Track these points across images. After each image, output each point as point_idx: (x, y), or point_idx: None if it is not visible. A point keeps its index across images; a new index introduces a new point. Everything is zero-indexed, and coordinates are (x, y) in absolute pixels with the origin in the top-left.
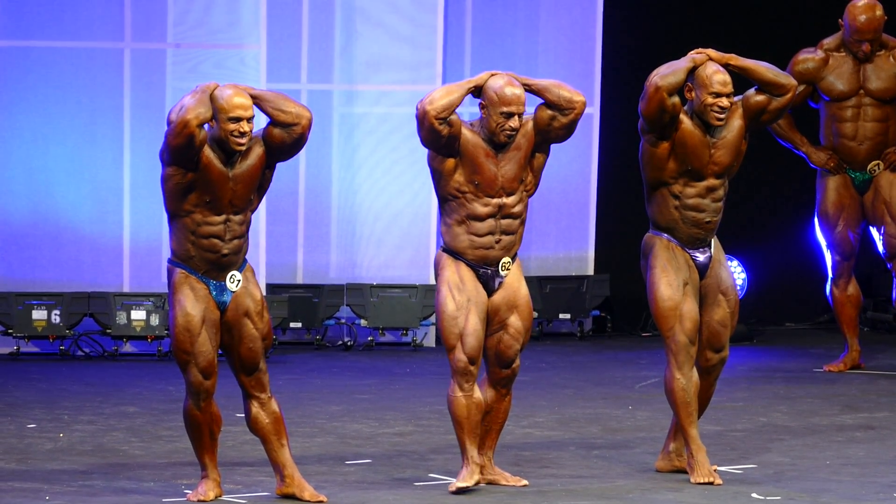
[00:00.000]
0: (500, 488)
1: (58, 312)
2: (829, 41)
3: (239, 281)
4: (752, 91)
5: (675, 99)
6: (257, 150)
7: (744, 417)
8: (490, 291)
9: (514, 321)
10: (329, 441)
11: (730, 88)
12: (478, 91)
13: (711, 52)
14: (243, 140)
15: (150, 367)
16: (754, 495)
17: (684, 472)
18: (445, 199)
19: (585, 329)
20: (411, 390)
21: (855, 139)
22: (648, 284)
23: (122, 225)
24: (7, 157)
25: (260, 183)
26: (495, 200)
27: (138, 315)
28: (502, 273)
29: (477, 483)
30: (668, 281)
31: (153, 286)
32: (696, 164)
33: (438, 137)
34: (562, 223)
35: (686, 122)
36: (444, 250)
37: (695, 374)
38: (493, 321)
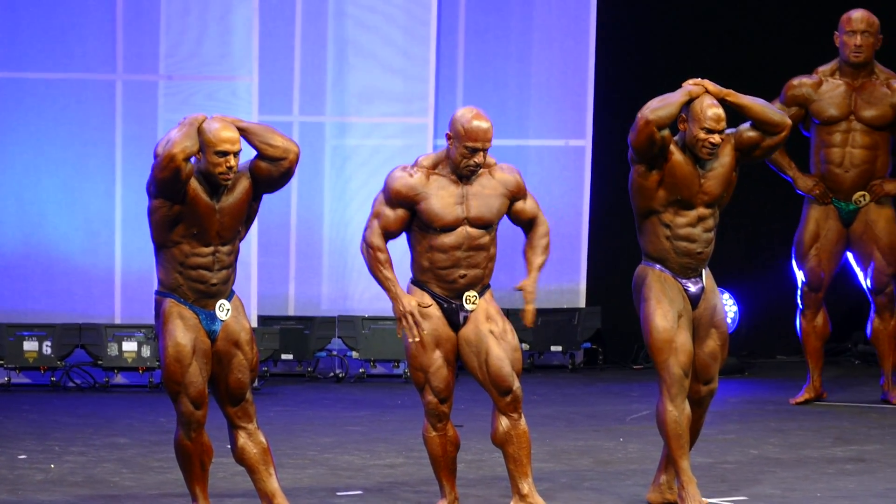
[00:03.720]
0: None
1: (49, 343)
2: (824, 67)
3: (228, 310)
4: (746, 126)
5: (665, 132)
6: (244, 183)
7: (735, 450)
8: (455, 326)
9: (494, 347)
10: (320, 473)
11: (723, 125)
12: None
13: (709, 84)
14: (229, 175)
15: (141, 398)
16: None
17: (675, 503)
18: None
19: (577, 361)
20: (402, 422)
21: (842, 166)
22: (643, 316)
23: (114, 256)
24: None
25: (247, 214)
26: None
27: (129, 346)
28: (467, 307)
29: None
30: (664, 312)
31: (144, 317)
32: (685, 193)
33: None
34: (553, 255)
35: (676, 153)
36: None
37: (687, 406)
38: (472, 353)
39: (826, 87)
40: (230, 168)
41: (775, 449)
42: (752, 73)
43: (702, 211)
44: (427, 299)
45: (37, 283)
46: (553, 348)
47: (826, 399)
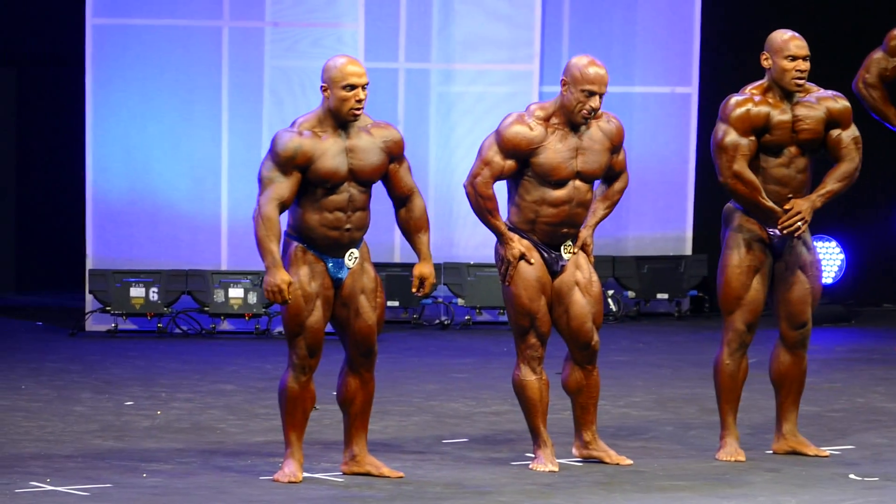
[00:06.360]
0: (599, 467)
1: (155, 290)
2: None
3: (356, 258)
4: (841, 130)
5: (747, 148)
6: (381, 157)
7: (842, 398)
8: (553, 275)
9: (579, 299)
10: (426, 420)
11: (806, 51)
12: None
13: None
14: (360, 109)
15: (247, 344)
16: (852, 476)
17: (801, 454)
18: None
19: (683, 309)
20: (508, 370)
21: None
22: (720, 263)
23: (220, 203)
24: (105, 134)
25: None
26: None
27: (236, 293)
28: (565, 257)
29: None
30: (739, 263)
31: (251, 264)
32: (777, 136)
33: None
34: (659, 203)
35: (765, 109)
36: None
37: (745, 361)
38: (557, 301)
39: None
40: (359, 101)
41: (882, 398)
42: (857, 24)
43: (792, 150)
44: (533, 255)
45: (143, 229)
46: (659, 296)
47: None
